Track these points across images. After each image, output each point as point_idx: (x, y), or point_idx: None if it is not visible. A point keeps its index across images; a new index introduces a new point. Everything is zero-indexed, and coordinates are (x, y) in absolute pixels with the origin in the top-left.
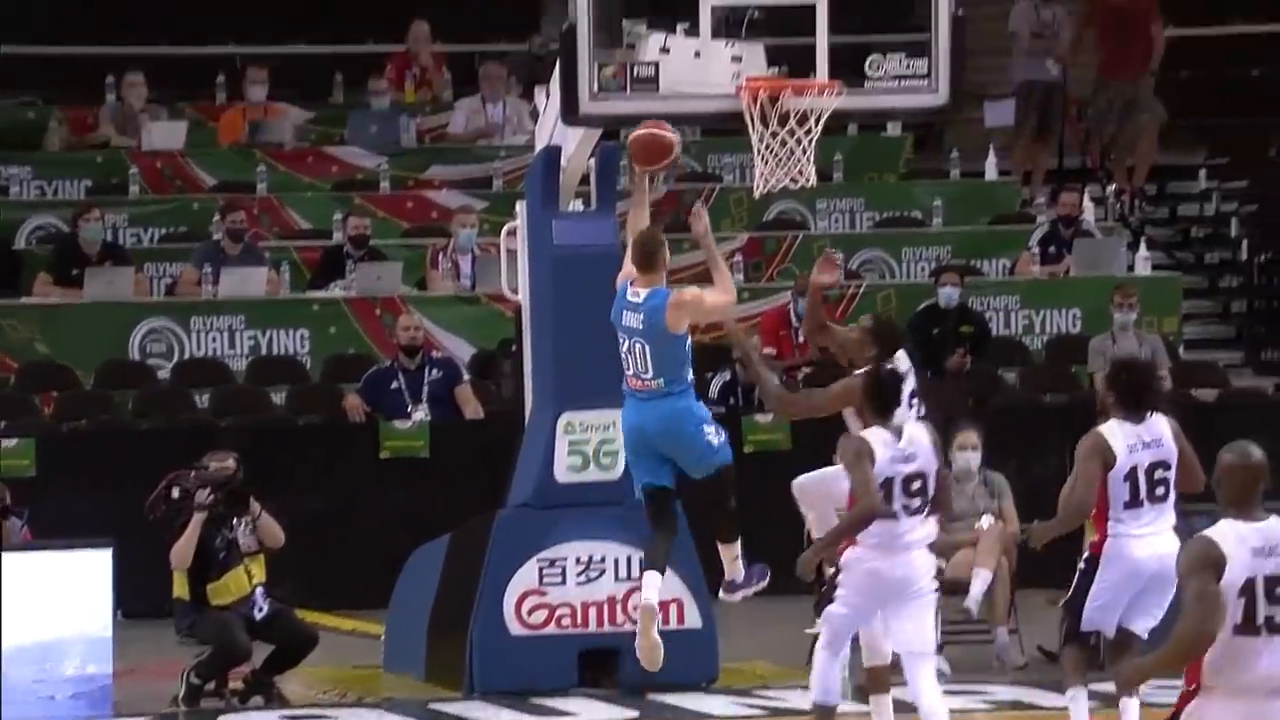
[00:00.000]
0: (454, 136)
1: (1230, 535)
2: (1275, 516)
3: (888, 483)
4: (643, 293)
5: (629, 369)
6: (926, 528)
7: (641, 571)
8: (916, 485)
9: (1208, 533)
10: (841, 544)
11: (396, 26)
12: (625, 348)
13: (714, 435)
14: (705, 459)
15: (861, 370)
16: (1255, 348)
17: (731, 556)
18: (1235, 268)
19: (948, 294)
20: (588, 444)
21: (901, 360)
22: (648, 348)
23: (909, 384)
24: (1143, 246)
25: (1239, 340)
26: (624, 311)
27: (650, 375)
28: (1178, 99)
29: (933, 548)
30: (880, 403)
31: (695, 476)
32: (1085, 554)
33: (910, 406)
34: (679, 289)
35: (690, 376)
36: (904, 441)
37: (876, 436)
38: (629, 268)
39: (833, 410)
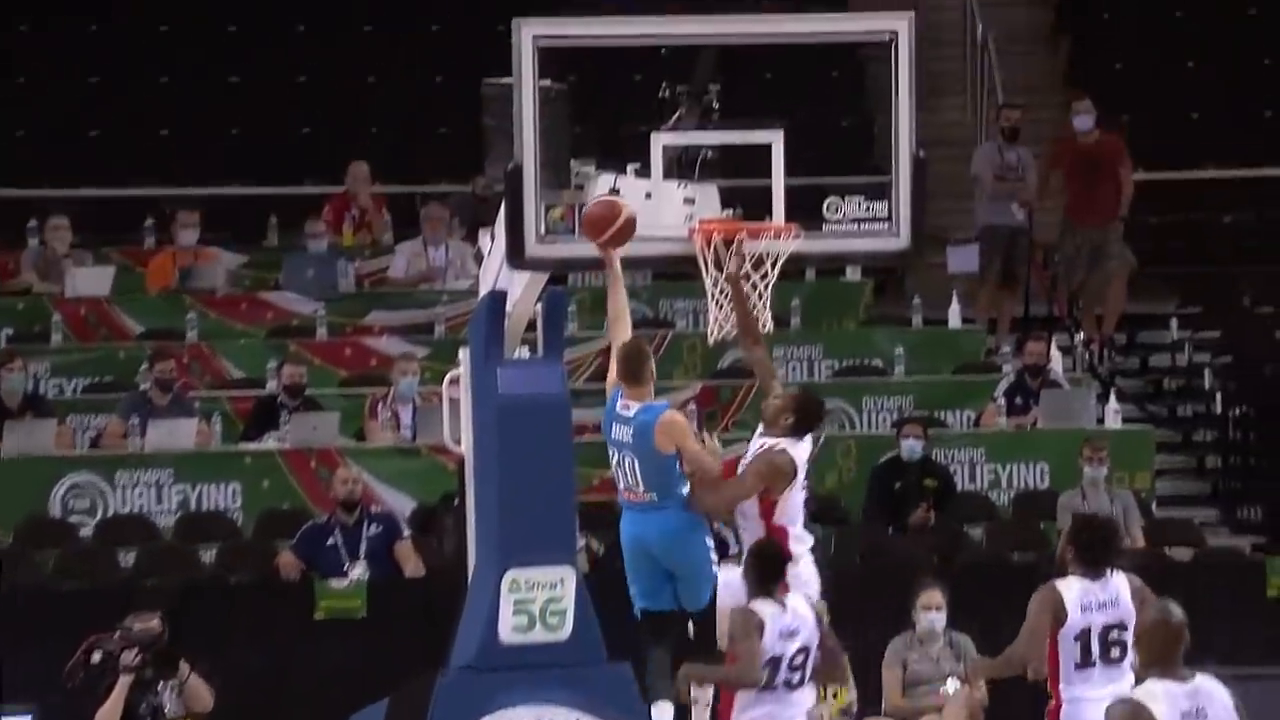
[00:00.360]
0: (394, 281)
1: (1159, 695)
2: (1201, 675)
3: (774, 661)
4: (634, 406)
5: (620, 483)
6: (807, 695)
7: (649, 704)
8: (799, 660)
9: (1136, 694)
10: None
11: (334, 167)
12: (615, 460)
13: (714, 553)
14: (705, 578)
15: (776, 444)
16: (1231, 505)
17: (704, 704)
18: (1209, 421)
19: (910, 446)
20: (533, 603)
21: (807, 443)
22: (637, 462)
23: (804, 472)
24: (1113, 398)
25: (1214, 497)
26: (613, 424)
27: (642, 489)
28: (1148, 245)
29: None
30: (764, 575)
31: (687, 606)
32: None
33: (803, 487)
34: (672, 411)
35: (685, 490)
36: (789, 616)
37: (766, 610)
38: (614, 376)
39: (755, 492)
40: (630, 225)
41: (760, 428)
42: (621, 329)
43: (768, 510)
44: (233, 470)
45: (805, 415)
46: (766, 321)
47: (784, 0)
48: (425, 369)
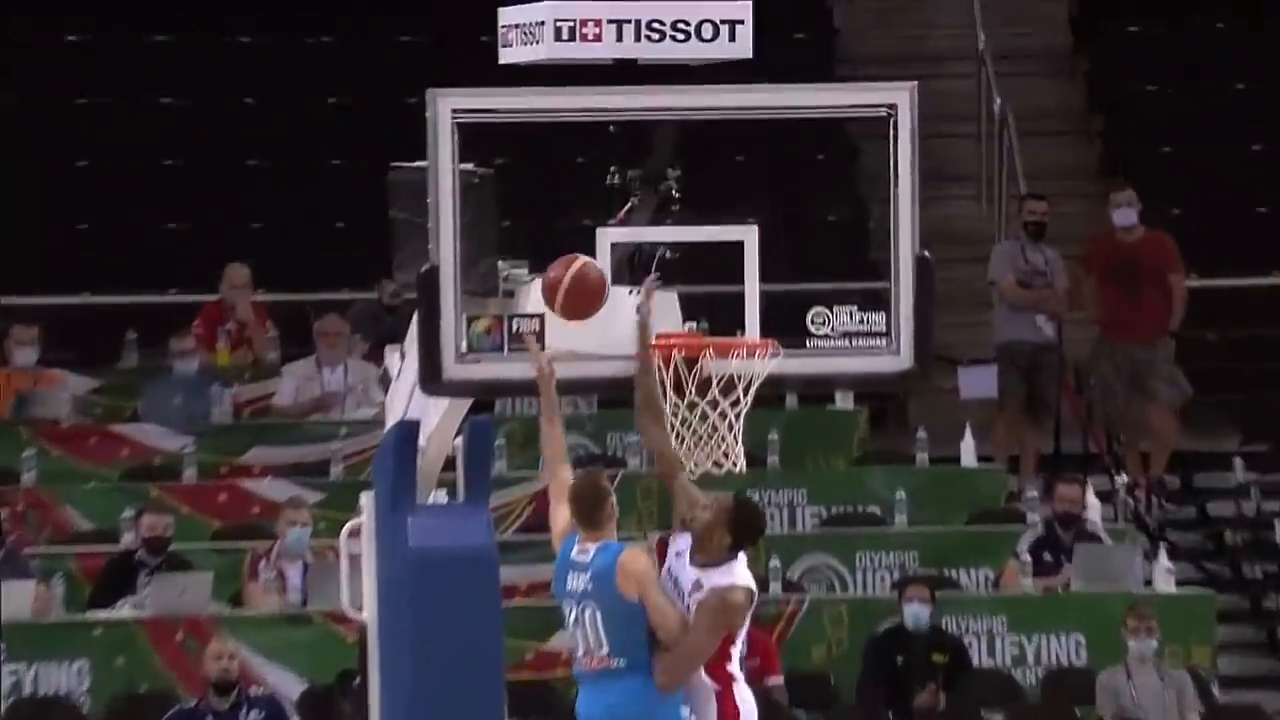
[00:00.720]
0: (281, 409)
1: None
2: None
3: None
4: (591, 548)
5: (579, 648)
6: None
7: None
8: None
9: None
10: None
11: (206, 270)
12: (572, 618)
13: None
14: None
15: (719, 578)
16: None
17: None
18: None
19: (915, 612)
20: None
21: (744, 560)
22: (599, 614)
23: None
24: (1163, 555)
25: None
26: (568, 574)
27: (605, 650)
28: (1204, 368)
29: None
30: None
31: None
32: None
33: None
34: (633, 550)
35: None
36: None
37: None
38: (564, 523)
39: (716, 646)
40: (585, 284)
41: (678, 537)
42: (562, 472)
43: (725, 647)
44: (79, 644)
45: (741, 530)
46: (739, 458)
47: (758, 71)
48: (319, 518)
